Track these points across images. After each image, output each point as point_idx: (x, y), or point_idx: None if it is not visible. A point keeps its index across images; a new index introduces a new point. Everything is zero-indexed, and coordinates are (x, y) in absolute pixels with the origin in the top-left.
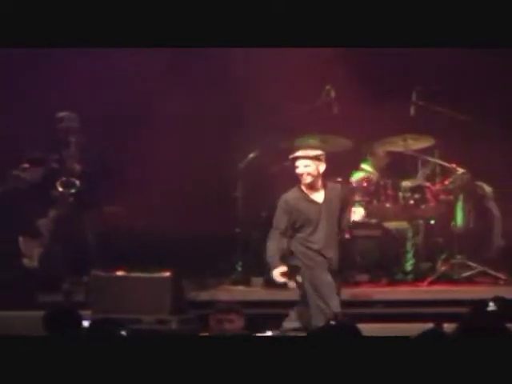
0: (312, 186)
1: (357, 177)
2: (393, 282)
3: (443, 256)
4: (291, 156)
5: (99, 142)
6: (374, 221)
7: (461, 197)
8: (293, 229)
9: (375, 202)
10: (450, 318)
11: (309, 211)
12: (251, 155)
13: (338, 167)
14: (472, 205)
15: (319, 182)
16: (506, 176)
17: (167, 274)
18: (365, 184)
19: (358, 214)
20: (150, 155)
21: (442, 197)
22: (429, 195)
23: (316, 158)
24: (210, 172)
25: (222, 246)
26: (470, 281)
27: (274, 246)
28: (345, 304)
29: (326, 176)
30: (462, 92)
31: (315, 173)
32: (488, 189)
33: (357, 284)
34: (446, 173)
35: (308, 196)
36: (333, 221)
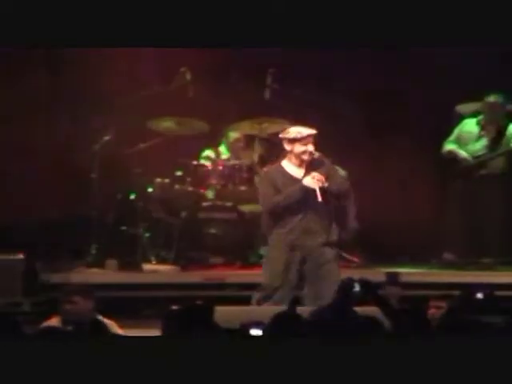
0: (303, 165)
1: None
2: (247, 265)
3: None
4: (303, 135)
5: None
6: (228, 204)
7: None
8: None
9: (230, 185)
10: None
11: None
12: (106, 137)
13: (193, 150)
14: None
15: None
16: (361, 159)
17: (20, 256)
18: (220, 167)
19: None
20: (2, 138)
21: None
22: None
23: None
24: (65, 154)
25: (77, 228)
26: None
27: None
28: (199, 287)
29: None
30: (317, 74)
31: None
32: (342, 172)
33: (211, 266)
34: None
35: (291, 174)
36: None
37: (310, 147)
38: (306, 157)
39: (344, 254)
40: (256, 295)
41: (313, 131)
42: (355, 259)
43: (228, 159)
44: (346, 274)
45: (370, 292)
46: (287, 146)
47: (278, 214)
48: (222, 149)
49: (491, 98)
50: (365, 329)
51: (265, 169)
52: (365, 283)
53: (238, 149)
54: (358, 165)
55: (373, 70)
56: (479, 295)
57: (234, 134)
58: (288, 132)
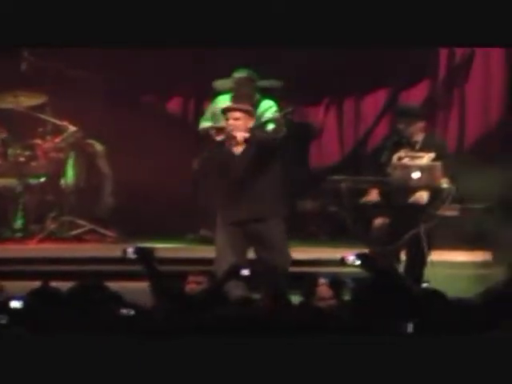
0: (236, 139)
1: None
2: (0, 240)
3: (53, 214)
4: (222, 107)
5: None
6: None
7: (72, 155)
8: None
9: None
10: (59, 275)
11: (226, 163)
12: None
13: None
14: (83, 163)
15: (244, 137)
16: (118, 134)
17: None
18: None
19: None
20: None
21: (53, 154)
22: (39, 152)
23: (246, 112)
24: None
25: None
26: (78, 239)
27: None
28: None
29: None
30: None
31: (242, 127)
32: (99, 147)
33: None
34: (57, 130)
35: (228, 149)
36: (252, 175)
37: (237, 122)
38: (232, 131)
39: (99, 229)
40: None
41: (242, 106)
42: (110, 234)
43: None
44: (100, 248)
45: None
46: None
47: None
48: None
49: (239, 74)
50: None
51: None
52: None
53: None
54: (115, 139)
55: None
56: (245, 272)
57: None
58: None
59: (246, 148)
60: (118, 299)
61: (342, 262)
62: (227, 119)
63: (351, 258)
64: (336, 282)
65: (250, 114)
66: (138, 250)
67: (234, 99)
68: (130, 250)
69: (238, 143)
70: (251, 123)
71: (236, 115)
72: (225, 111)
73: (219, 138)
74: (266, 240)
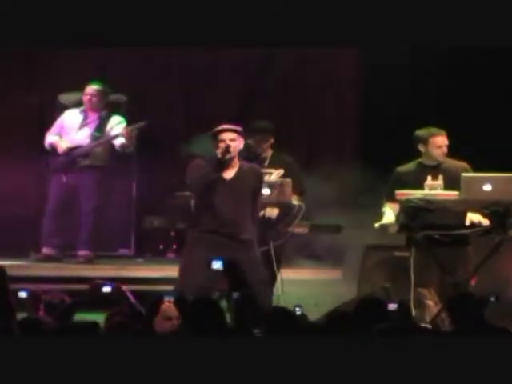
0: (229, 162)
1: None
2: None
3: None
4: (217, 129)
5: None
6: None
7: None
8: None
9: None
10: None
11: (215, 187)
12: None
13: None
14: None
15: (235, 160)
16: None
17: None
18: None
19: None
20: None
21: None
22: None
23: (240, 134)
24: None
25: None
26: None
27: None
28: None
29: None
30: None
31: (237, 149)
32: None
33: None
34: None
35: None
36: (240, 200)
37: (233, 143)
38: (229, 152)
39: None
40: None
41: (236, 127)
42: None
43: None
44: None
45: None
46: None
47: None
48: None
49: (92, 86)
50: None
51: None
52: None
53: None
54: None
55: None
56: (106, 289)
57: None
58: None
59: (237, 173)
60: None
61: None
62: (222, 140)
63: None
64: (181, 301)
65: (242, 135)
66: None
67: (86, 112)
68: None
69: (232, 166)
70: (241, 144)
71: (232, 136)
72: (219, 132)
73: (226, 156)
74: None
